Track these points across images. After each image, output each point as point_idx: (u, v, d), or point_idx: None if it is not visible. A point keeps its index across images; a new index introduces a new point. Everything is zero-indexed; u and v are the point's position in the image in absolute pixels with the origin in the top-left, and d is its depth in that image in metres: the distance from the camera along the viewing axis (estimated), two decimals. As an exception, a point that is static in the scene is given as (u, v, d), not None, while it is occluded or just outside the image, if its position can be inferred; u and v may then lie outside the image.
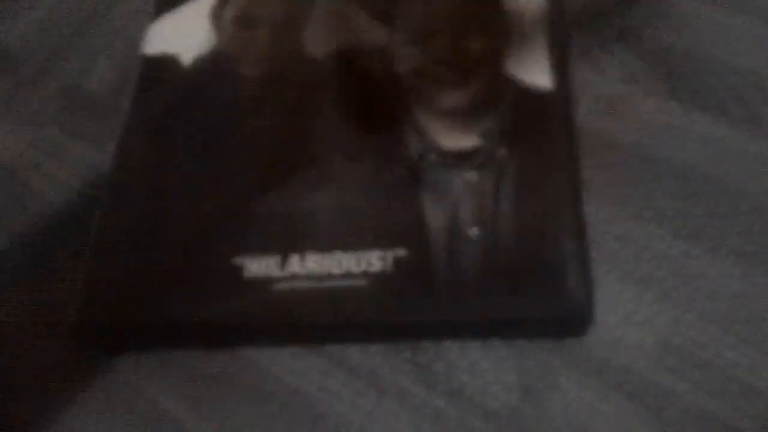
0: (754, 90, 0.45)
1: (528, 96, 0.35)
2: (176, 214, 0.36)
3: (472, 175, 0.33)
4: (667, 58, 0.46)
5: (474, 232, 0.34)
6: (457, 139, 0.34)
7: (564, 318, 0.35)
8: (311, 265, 0.34)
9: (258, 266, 0.35)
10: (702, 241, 0.41)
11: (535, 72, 0.35)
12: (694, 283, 0.40)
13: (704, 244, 0.41)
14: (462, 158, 0.34)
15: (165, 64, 0.39)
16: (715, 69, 0.46)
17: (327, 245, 0.35)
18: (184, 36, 0.39)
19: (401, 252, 0.34)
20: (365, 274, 0.34)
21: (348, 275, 0.34)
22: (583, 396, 0.37)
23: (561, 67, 0.36)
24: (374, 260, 0.34)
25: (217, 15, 0.40)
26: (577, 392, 0.37)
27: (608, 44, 0.46)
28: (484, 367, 0.37)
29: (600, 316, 0.38)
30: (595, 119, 0.44)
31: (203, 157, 0.37)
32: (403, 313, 0.35)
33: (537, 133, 0.34)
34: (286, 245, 0.35)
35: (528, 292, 0.34)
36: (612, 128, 0.44)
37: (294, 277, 0.34)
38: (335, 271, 0.34)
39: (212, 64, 0.38)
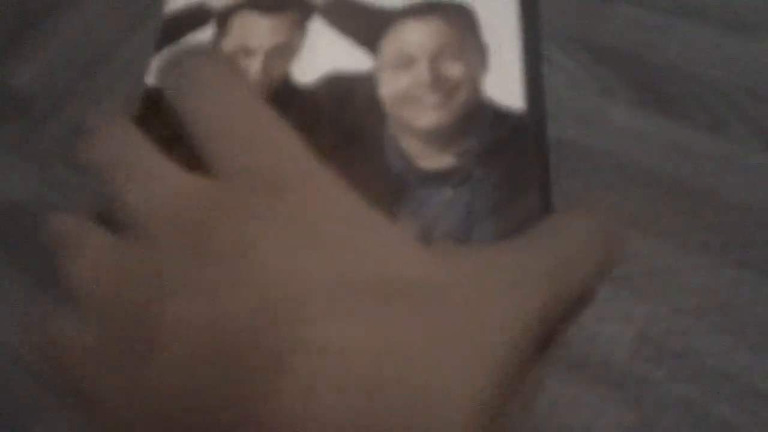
0: (717, 97, 0.48)
1: (503, 117, 0.38)
2: None
3: (447, 194, 0.36)
4: (637, 70, 0.49)
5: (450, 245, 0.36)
6: (434, 160, 0.37)
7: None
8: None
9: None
10: (671, 238, 0.43)
11: (510, 94, 0.38)
12: (665, 277, 0.42)
13: (673, 242, 0.43)
14: (440, 178, 0.36)
15: (163, 95, 0.41)
16: (681, 78, 0.49)
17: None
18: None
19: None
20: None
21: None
22: (567, 390, 0.39)
23: (535, 87, 0.38)
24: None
25: (215, 46, 0.42)
26: (561, 387, 0.40)
27: (582, 60, 0.49)
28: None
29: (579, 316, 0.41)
30: (571, 130, 0.46)
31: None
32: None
33: (511, 153, 0.37)
34: None
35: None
36: (586, 138, 0.46)
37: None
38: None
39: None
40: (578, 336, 0.40)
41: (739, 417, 0.38)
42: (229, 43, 0.43)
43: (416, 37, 0.39)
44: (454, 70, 0.38)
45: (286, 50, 0.41)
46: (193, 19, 0.44)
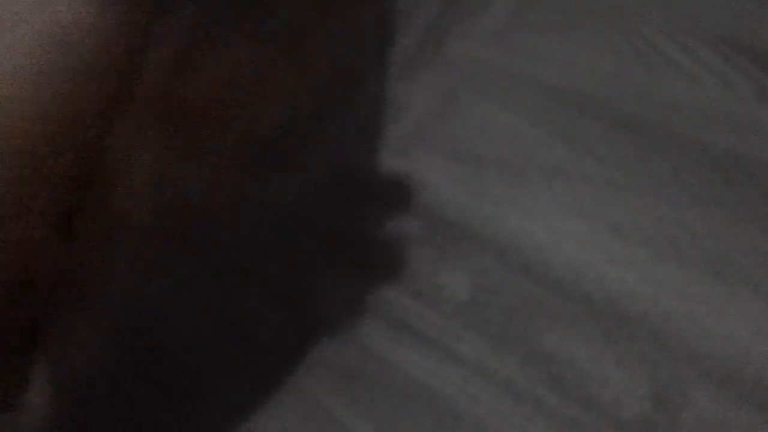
0: None
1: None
2: None
3: None
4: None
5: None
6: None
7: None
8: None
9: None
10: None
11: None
12: (828, 298, 0.40)
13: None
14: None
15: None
16: None
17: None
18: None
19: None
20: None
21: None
22: (715, 407, 0.38)
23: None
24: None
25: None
26: (709, 403, 0.38)
27: (738, 63, 0.47)
28: (616, 378, 0.39)
29: (732, 329, 0.39)
30: (724, 137, 0.44)
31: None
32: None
33: None
34: None
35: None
36: (741, 145, 0.44)
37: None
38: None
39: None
40: (730, 351, 0.39)
41: None
42: None
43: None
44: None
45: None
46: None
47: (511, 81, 0.52)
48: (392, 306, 0.43)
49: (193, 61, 0.48)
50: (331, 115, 0.51)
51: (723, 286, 0.41)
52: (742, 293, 0.40)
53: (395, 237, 0.46)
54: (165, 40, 0.41)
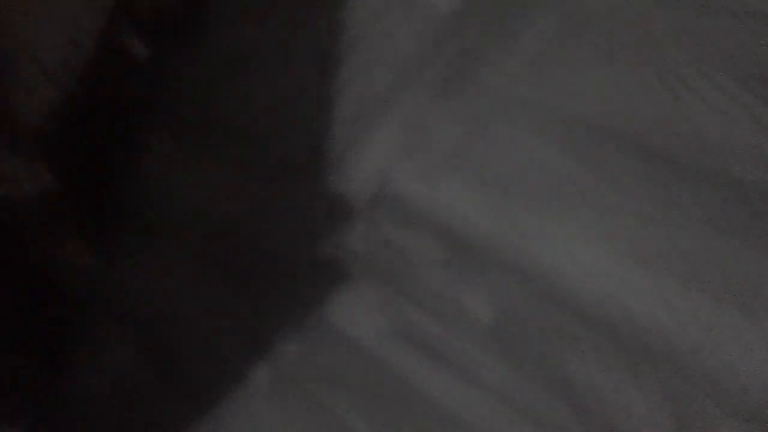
0: None
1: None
2: None
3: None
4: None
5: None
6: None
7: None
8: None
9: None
10: None
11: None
12: None
13: None
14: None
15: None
16: None
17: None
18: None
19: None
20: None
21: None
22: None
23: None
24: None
25: None
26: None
27: (764, 95, 0.47)
28: (639, 408, 0.39)
29: (760, 366, 0.38)
30: (755, 172, 0.44)
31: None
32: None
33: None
34: None
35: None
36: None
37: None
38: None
39: None
40: (757, 388, 0.38)
41: None
42: None
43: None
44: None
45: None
46: None
47: (542, 112, 0.52)
48: (415, 327, 0.43)
49: (225, 88, 0.50)
50: (358, 138, 0.52)
51: (752, 321, 0.40)
52: (771, 328, 0.40)
53: (420, 260, 0.46)
54: (197, 68, 0.43)
